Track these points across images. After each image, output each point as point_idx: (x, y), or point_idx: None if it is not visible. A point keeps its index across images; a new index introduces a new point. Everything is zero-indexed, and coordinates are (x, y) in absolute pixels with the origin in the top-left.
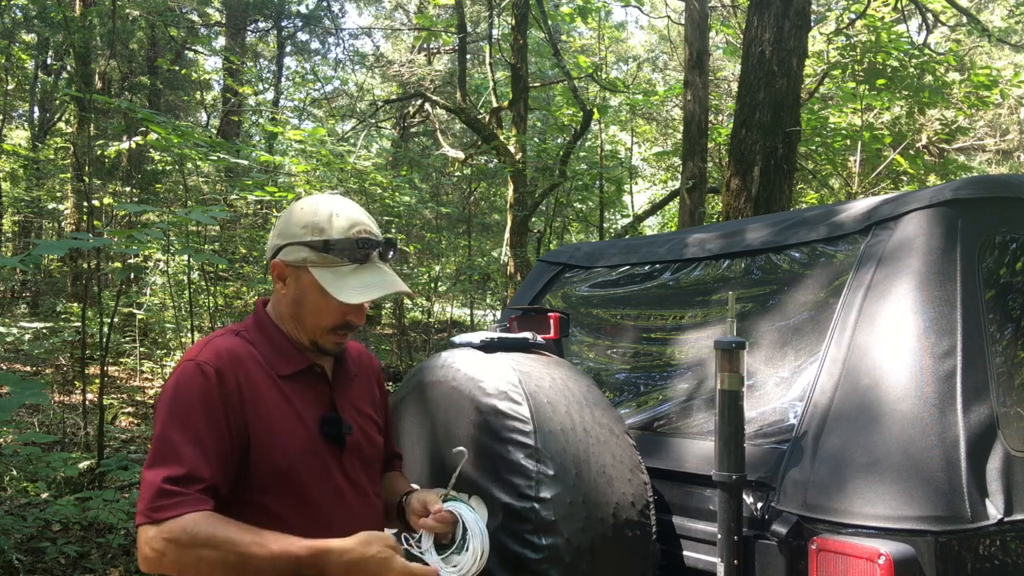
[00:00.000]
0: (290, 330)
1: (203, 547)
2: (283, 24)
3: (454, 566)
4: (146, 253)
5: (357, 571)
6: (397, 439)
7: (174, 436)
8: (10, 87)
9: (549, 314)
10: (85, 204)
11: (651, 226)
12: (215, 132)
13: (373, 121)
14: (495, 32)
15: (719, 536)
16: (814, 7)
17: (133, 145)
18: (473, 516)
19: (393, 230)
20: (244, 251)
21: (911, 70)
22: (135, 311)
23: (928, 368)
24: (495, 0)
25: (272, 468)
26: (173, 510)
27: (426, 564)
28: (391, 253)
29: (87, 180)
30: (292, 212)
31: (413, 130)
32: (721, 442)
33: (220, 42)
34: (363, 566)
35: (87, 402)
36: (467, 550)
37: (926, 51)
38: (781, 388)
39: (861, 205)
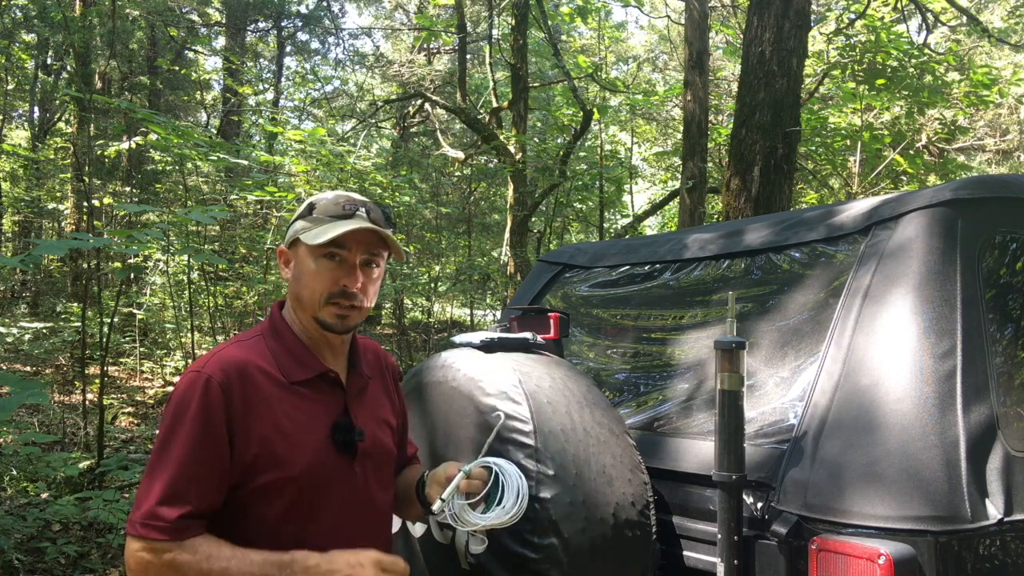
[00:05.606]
0: (300, 322)
1: (189, 570)
2: (283, 24)
3: (496, 509)
4: (146, 253)
5: None
6: None
7: (174, 452)
8: (10, 87)
9: (549, 314)
10: (85, 204)
11: (651, 226)
12: (215, 132)
13: (373, 121)
14: (495, 32)
15: (719, 536)
16: (814, 7)
17: (133, 145)
18: (506, 463)
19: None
20: (244, 251)
21: (911, 70)
22: (135, 311)
23: (928, 368)
24: (495, 0)
25: (280, 478)
26: (161, 534)
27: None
28: (384, 216)
29: (87, 180)
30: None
31: (413, 130)
32: (721, 442)
33: (220, 42)
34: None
35: (87, 402)
36: (502, 498)
37: (926, 51)
38: (781, 388)
39: (861, 205)
